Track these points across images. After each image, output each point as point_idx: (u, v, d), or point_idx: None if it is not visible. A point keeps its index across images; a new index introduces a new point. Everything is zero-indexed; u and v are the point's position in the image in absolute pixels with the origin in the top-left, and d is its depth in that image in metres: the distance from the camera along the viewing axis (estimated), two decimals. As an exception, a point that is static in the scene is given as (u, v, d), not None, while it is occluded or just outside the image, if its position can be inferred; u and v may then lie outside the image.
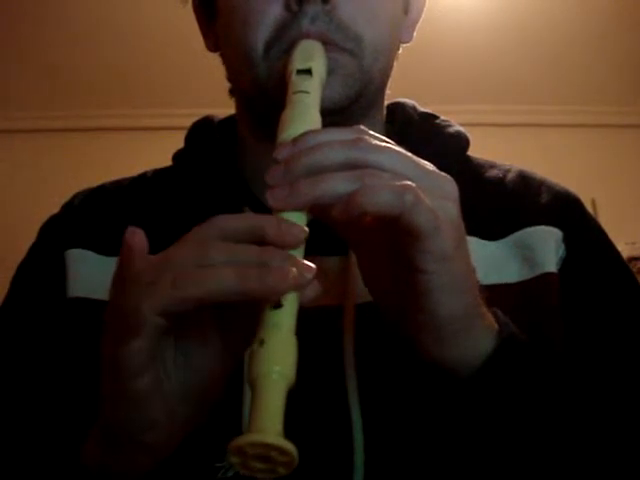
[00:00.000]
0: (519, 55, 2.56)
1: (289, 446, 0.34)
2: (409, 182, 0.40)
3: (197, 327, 0.42)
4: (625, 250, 2.24)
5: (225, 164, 0.65)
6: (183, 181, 0.66)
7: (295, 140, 0.43)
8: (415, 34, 0.68)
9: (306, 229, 0.40)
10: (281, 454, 0.35)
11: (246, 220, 0.41)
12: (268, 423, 0.35)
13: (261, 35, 0.57)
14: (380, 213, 0.40)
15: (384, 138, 0.43)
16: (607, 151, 2.83)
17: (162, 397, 0.40)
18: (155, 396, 0.40)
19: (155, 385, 0.40)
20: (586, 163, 2.74)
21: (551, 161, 1.88)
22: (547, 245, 0.61)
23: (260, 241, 0.39)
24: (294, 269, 0.37)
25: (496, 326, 0.46)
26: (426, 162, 0.44)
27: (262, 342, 0.37)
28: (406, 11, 0.65)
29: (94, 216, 0.66)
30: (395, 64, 0.65)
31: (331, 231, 0.46)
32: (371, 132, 0.43)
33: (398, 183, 0.40)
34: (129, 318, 0.38)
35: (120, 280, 0.39)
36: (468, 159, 0.69)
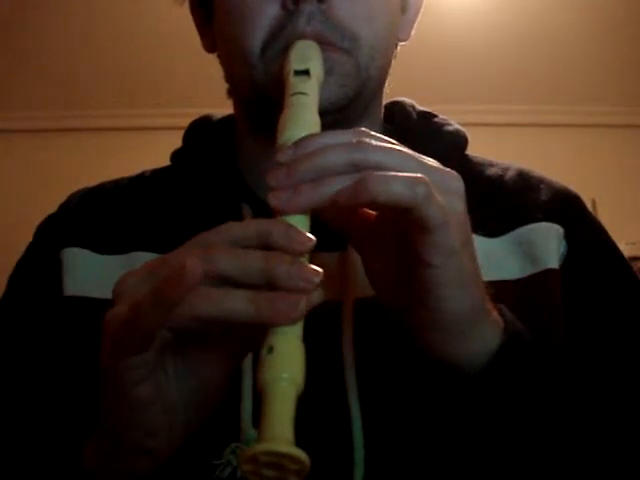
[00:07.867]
0: (519, 55, 2.56)
1: (302, 455, 0.34)
2: (420, 175, 0.40)
3: (199, 335, 0.41)
4: (625, 250, 2.22)
5: (224, 162, 0.65)
6: (181, 180, 0.66)
7: (297, 144, 0.42)
8: (414, 33, 0.68)
9: (312, 238, 0.39)
10: (293, 462, 0.35)
11: (253, 226, 0.40)
12: (281, 431, 0.35)
13: (258, 35, 0.57)
14: (390, 202, 0.39)
15: (386, 138, 0.43)
16: (607, 151, 2.83)
17: (163, 404, 0.40)
18: (156, 403, 0.40)
19: (156, 393, 0.39)
20: (586, 163, 2.74)
21: (551, 161, 1.88)
22: (549, 241, 0.61)
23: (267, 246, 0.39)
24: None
25: (502, 323, 0.46)
26: (430, 159, 0.43)
27: (271, 349, 0.37)
28: (403, 9, 0.65)
29: (91, 215, 0.66)
30: (393, 63, 0.65)
31: (330, 226, 0.46)
32: (372, 133, 0.43)
33: (410, 175, 0.39)
34: (140, 333, 0.37)
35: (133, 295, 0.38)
36: (467, 157, 0.69)
